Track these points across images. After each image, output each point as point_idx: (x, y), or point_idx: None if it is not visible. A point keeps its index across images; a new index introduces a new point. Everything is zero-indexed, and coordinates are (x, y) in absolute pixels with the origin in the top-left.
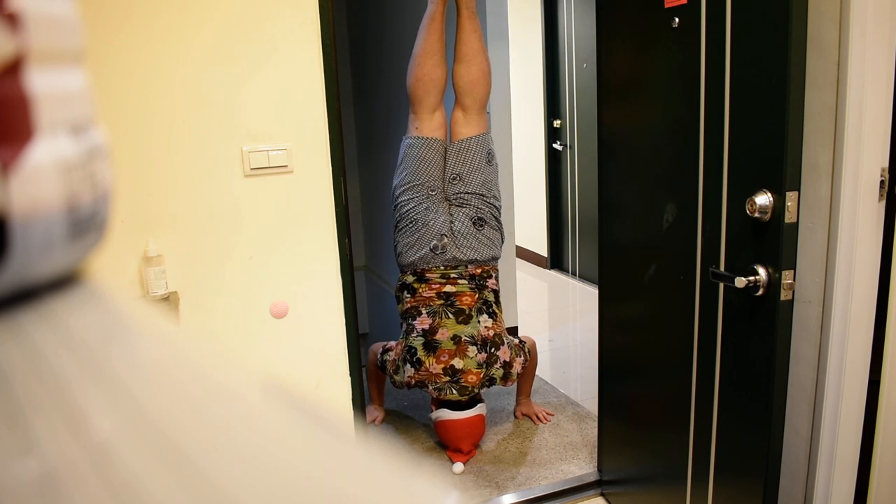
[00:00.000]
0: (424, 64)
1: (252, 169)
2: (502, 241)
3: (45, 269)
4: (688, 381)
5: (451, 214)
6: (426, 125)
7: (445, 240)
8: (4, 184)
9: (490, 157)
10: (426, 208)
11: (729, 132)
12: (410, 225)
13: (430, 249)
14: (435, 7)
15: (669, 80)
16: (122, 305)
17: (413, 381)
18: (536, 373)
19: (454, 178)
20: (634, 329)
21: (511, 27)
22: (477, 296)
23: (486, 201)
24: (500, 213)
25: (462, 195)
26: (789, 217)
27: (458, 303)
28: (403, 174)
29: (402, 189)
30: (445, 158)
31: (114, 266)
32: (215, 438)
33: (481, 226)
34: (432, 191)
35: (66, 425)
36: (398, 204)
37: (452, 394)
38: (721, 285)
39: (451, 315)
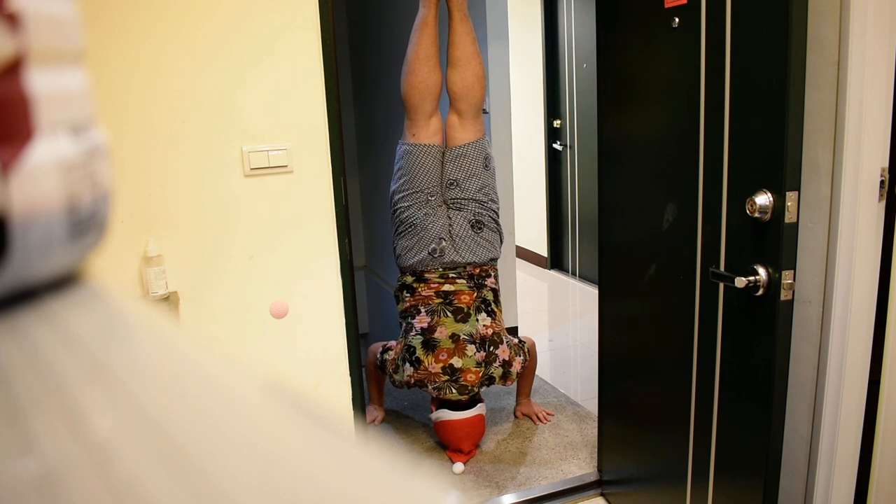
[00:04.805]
0: (419, 71)
1: (252, 169)
2: (501, 242)
3: (45, 269)
4: (688, 381)
5: (449, 218)
6: (423, 132)
7: (444, 243)
8: (4, 184)
9: (487, 162)
10: (425, 214)
11: (729, 132)
12: (409, 229)
13: (429, 253)
14: (427, 10)
15: (669, 79)
16: (122, 305)
17: (412, 381)
18: (536, 373)
19: (451, 184)
20: (634, 329)
21: (511, 27)
22: (475, 294)
23: (483, 206)
24: (497, 215)
25: (459, 200)
26: (789, 217)
27: (456, 301)
28: (401, 180)
29: (400, 195)
30: (443, 163)
31: (114, 266)
32: (215, 438)
33: (479, 229)
34: (431, 196)
35: (66, 425)
36: (397, 209)
37: (452, 393)
38: (721, 285)
39: (449, 314)
